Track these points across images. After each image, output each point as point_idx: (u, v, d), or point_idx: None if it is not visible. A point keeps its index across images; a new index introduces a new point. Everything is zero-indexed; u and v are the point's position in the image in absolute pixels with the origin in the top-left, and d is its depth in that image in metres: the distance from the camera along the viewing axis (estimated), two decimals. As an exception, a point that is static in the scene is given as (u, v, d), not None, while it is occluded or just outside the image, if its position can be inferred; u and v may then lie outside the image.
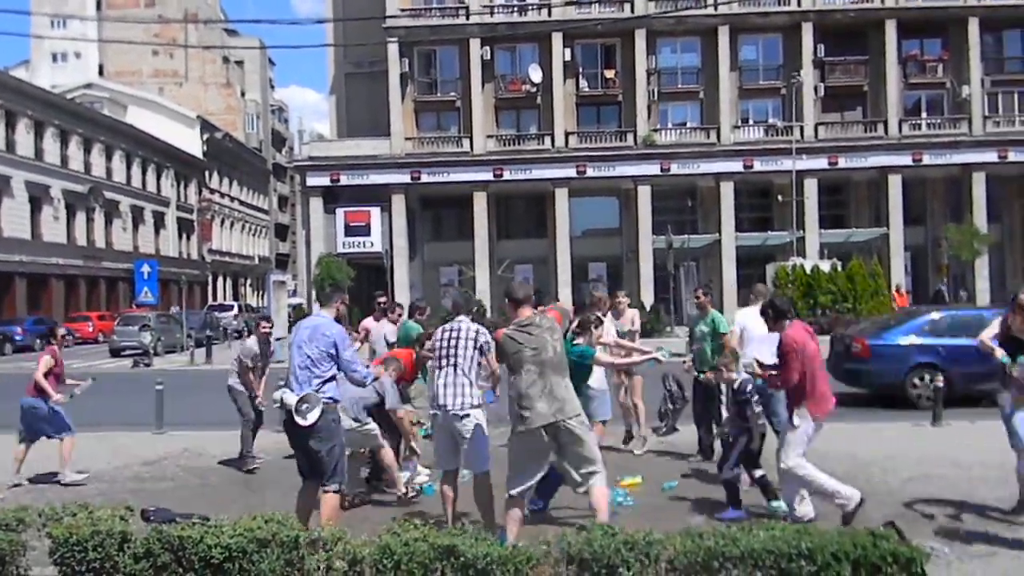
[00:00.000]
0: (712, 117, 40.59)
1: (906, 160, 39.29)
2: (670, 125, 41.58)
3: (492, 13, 40.47)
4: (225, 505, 7.38)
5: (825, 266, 32.28)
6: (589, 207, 41.70)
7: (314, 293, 37.71)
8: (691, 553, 4.08)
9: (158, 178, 55.00)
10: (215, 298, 59.13)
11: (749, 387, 6.97)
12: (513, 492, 5.74)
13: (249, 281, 71.62)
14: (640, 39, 39.62)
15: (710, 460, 8.55)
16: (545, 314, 6.04)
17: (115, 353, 29.81)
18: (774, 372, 6.61)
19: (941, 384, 11.31)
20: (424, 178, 39.60)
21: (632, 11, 39.71)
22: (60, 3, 62.62)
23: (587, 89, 41.25)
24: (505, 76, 41.18)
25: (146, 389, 12.66)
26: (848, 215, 42.11)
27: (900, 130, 40.04)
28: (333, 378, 6.06)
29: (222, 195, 65.31)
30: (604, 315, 8.67)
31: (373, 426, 7.56)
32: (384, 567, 4.22)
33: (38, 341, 33.75)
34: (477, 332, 6.24)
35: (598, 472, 5.77)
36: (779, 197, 38.71)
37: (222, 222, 65.17)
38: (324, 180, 39.96)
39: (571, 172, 39.44)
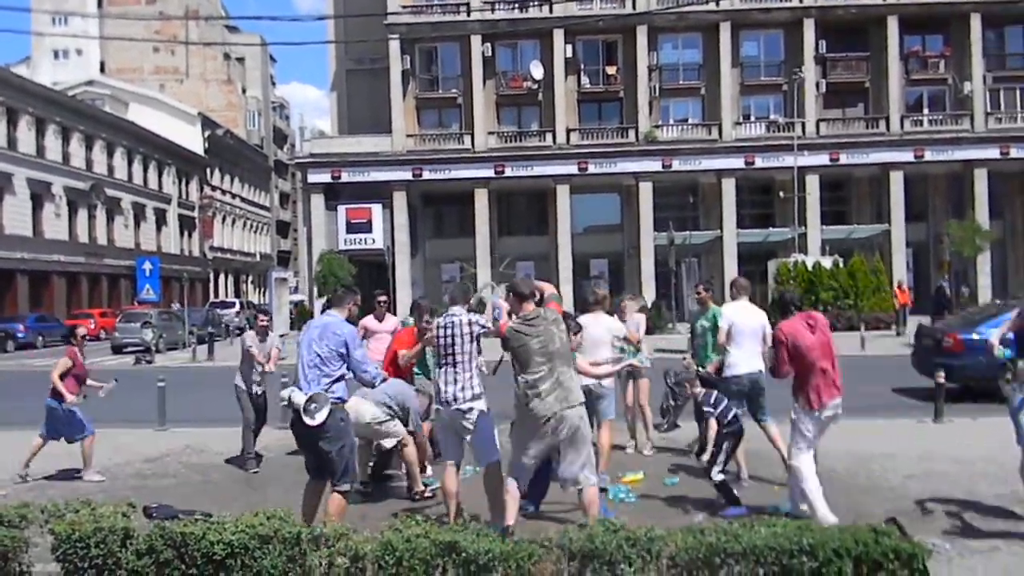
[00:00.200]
0: (714, 113, 40.55)
1: (908, 156, 39.27)
2: (671, 121, 41.55)
3: (493, 9, 40.44)
4: (227, 502, 7.39)
5: (827, 262, 32.26)
6: (590, 204, 41.69)
7: (315, 290, 37.75)
8: (693, 549, 4.09)
9: (159, 175, 55.02)
10: (217, 295, 59.16)
11: (712, 399, 7.10)
12: (513, 477, 5.84)
13: (251, 278, 71.66)
14: (641, 35, 39.60)
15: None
16: (547, 307, 6.08)
17: (117, 350, 29.86)
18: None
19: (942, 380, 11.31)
20: (425, 175, 39.62)
21: (633, 7, 39.69)
22: (61, 0, 62.65)
23: (588, 85, 41.23)
24: (506, 73, 41.18)
25: (148, 386, 12.67)
26: (850, 211, 42.09)
27: (902, 126, 40.00)
28: (342, 378, 6.04)
29: (223, 192, 65.33)
30: (612, 313, 8.69)
31: (398, 424, 7.60)
32: (386, 563, 4.23)
33: (40, 338, 33.86)
34: (471, 323, 6.23)
35: (591, 471, 5.81)
36: (781, 193, 38.69)
37: (223, 219, 65.18)
38: (325, 177, 39.97)
39: (572, 169, 39.44)
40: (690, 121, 41.64)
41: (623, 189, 41.39)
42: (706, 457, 6.98)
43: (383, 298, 9.79)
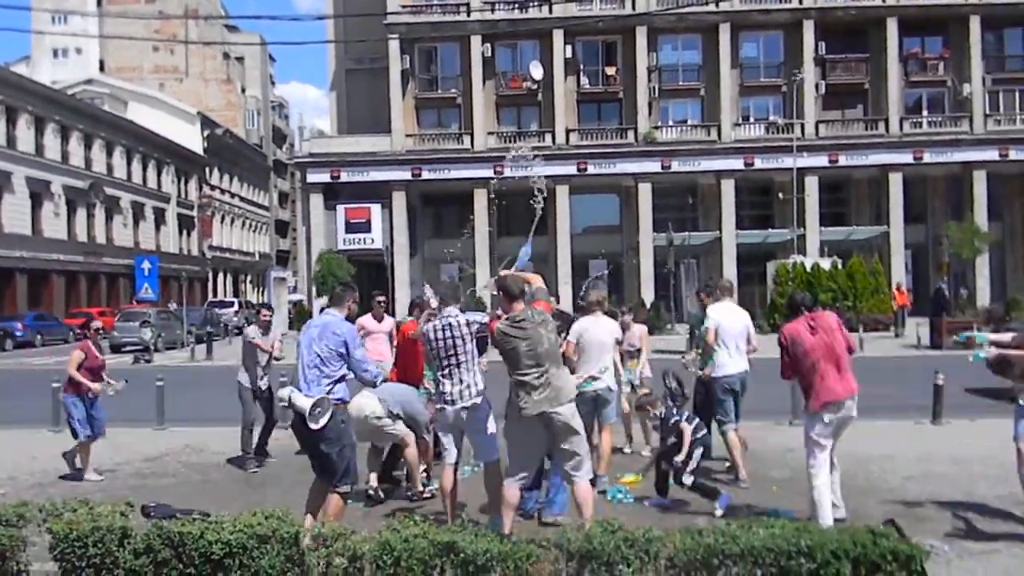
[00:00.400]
0: (713, 114, 40.58)
1: (907, 158, 39.29)
2: (671, 122, 41.58)
3: (493, 10, 40.45)
4: (226, 501, 7.39)
5: (825, 264, 32.29)
6: (590, 204, 41.68)
7: (314, 289, 37.74)
8: (691, 550, 4.09)
9: (159, 174, 55.00)
10: (215, 294, 59.12)
11: (674, 418, 7.30)
12: (511, 481, 5.81)
13: (249, 277, 71.65)
14: (641, 36, 39.61)
15: (710, 457, 8.56)
16: (535, 307, 6.04)
17: (116, 349, 29.81)
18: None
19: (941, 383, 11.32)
20: (425, 175, 39.62)
21: (633, 8, 39.71)
22: (61, -1, 62.63)
23: (588, 86, 41.25)
24: (506, 73, 41.20)
25: (147, 385, 12.66)
26: (849, 213, 42.11)
27: (901, 128, 40.03)
28: (343, 378, 5.98)
29: (223, 191, 65.31)
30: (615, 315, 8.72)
31: (399, 424, 7.59)
32: (384, 563, 4.22)
33: (39, 337, 33.84)
34: (468, 323, 6.22)
35: (584, 468, 5.80)
36: (780, 195, 38.70)
37: (222, 218, 65.16)
38: (325, 177, 39.96)
39: (572, 169, 39.45)
40: (689, 122, 41.66)
41: (622, 190, 41.39)
42: (680, 458, 7.15)
43: (381, 298, 9.78)
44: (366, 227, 39.64)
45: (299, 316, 37.08)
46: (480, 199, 39.66)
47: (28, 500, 5.41)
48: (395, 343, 9.16)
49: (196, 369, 23.87)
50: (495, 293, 6.27)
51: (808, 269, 31.40)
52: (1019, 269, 41.27)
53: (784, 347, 6.37)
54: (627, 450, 9.46)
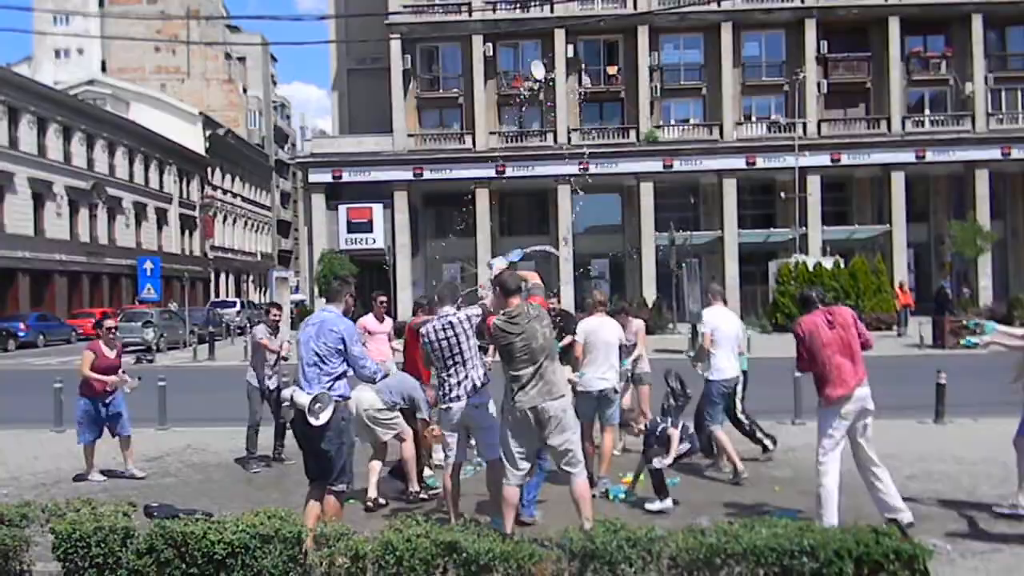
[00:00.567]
0: (715, 114, 40.56)
1: (909, 157, 39.25)
2: (673, 122, 41.55)
3: (495, 9, 40.43)
4: (228, 501, 7.40)
5: (828, 263, 32.25)
6: (591, 204, 41.63)
7: (316, 290, 37.74)
8: (693, 550, 4.08)
9: (161, 174, 55.03)
10: (217, 295, 59.19)
11: (659, 428, 7.33)
12: (509, 479, 5.81)
13: (251, 277, 71.68)
14: (643, 35, 39.59)
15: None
16: (530, 303, 6.04)
17: (118, 349, 29.83)
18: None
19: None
20: (426, 175, 39.63)
21: (635, 7, 39.69)
22: (63, 0, 62.72)
23: (590, 86, 41.23)
24: (508, 73, 41.18)
25: (149, 385, 12.65)
26: (851, 212, 42.07)
27: (903, 127, 39.98)
28: (344, 375, 5.93)
29: (224, 191, 65.35)
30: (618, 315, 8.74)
31: (398, 417, 7.58)
32: (386, 563, 4.23)
33: (41, 337, 33.88)
34: (468, 320, 6.22)
35: (578, 464, 5.81)
36: (782, 194, 38.68)
37: (224, 218, 65.21)
38: (326, 177, 39.97)
39: (573, 169, 39.40)
40: (691, 121, 41.64)
41: (624, 189, 41.37)
42: (667, 461, 7.22)
43: (382, 298, 9.77)
44: (368, 227, 39.65)
45: (301, 316, 37.06)
46: (482, 199, 39.67)
47: (31, 500, 5.42)
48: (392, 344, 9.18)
49: (198, 369, 23.89)
50: (484, 298, 6.28)
51: (810, 268, 31.36)
52: (1022, 268, 41.21)
53: (801, 339, 6.33)
54: (616, 452, 9.46)
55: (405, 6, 40.01)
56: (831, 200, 40.57)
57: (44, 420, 12.08)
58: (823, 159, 39.03)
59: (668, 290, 36.15)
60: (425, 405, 7.69)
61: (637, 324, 9.87)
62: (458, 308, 6.42)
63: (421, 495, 7.55)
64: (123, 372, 9.24)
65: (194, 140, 59.06)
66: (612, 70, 41.23)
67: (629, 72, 40.59)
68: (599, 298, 8.24)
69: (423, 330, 6.38)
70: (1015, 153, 39.20)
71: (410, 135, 40.53)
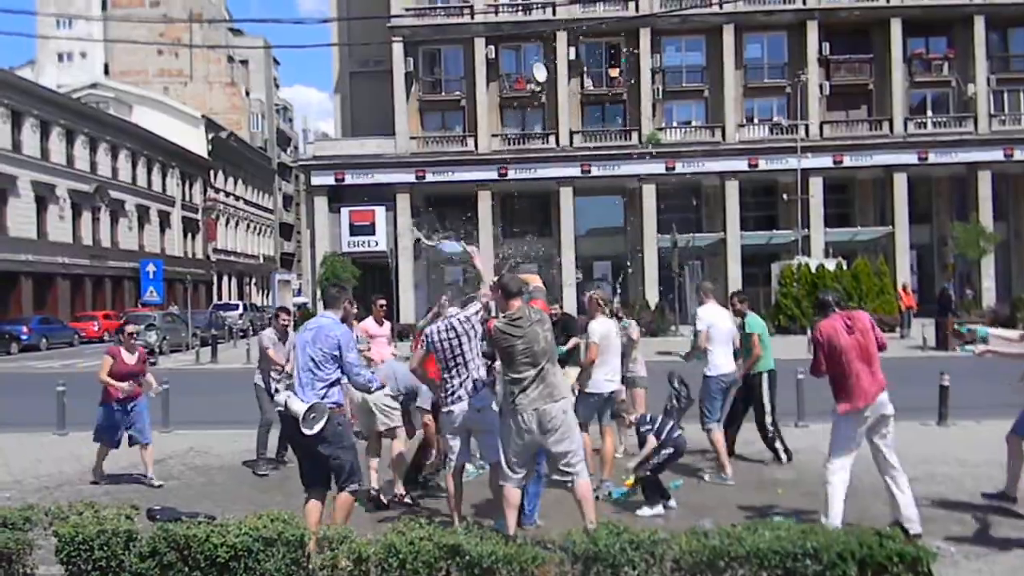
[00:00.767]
0: (717, 116, 40.55)
1: (911, 158, 39.21)
2: (675, 124, 41.56)
3: (497, 12, 40.46)
4: (231, 504, 7.39)
5: (830, 265, 32.24)
6: (594, 206, 41.66)
7: (318, 292, 37.75)
8: (696, 552, 4.08)
9: (163, 177, 55.11)
10: (220, 297, 59.20)
11: (646, 424, 7.33)
12: (510, 482, 5.81)
13: (254, 280, 71.73)
14: (645, 38, 39.59)
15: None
16: (531, 305, 6.06)
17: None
18: None
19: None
20: (429, 177, 39.65)
21: (637, 10, 39.68)
22: (65, 3, 62.86)
23: (592, 88, 41.24)
24: (510, 75, 41.20)
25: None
26: (853, 214, 42.04)
27: (905, 128, 39.96)
28: (338, 381, 5.91)
29: (227, 194, 65.42)
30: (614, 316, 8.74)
31: (398, 409, 7.57)
32: (389, 566, 4.23)
33: (44, 340, 33.91)
34: (469, 320, 6.22)
35: (580, 465, 5.80)
36: (784, 196, 38.66)
37: (227, 221, 65.29)
38: (329, 179, 40.01)
39: (576, 171, 39.44)
40: (693, 123, 41.63)
41: (626, 191, 41.37)
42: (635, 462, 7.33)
43: (382, 302, 9.78)
44: (370, 229, 39.67)
45: (303, 319, 37.09)
46: (484, 201, 39.68)
47: (34, 503, 5.43)
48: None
49: (201, 372, 23.90)
50: (484, 304, 6.28)
51: (813, 270, 31.35)
52: (1024, 270, 41.17)
53: (819, 344, 6.27)
54: (618, 455, 9.45)
55: (407, 9, 40.04)
56: (833, 202, 40.54)
57: (47, 423, 12.09)
58: (825, 161, 39.01)
59: (671, 292, 36.17)
60: (424, 394, 7.67)
61: (633, 327, 9.90)
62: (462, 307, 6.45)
63: (406, 500, 7.50)
64: (148, 376, 9.14)
65: (197, 143, 59.14)
66: (614, 72, 41.22)
67: (631, 74, 40.59)
68: (595, 297, 8.22)
69: (426, 331, 6.40)
70: (1018, 154, 39.15)
71: (412, 138, 40.57)
